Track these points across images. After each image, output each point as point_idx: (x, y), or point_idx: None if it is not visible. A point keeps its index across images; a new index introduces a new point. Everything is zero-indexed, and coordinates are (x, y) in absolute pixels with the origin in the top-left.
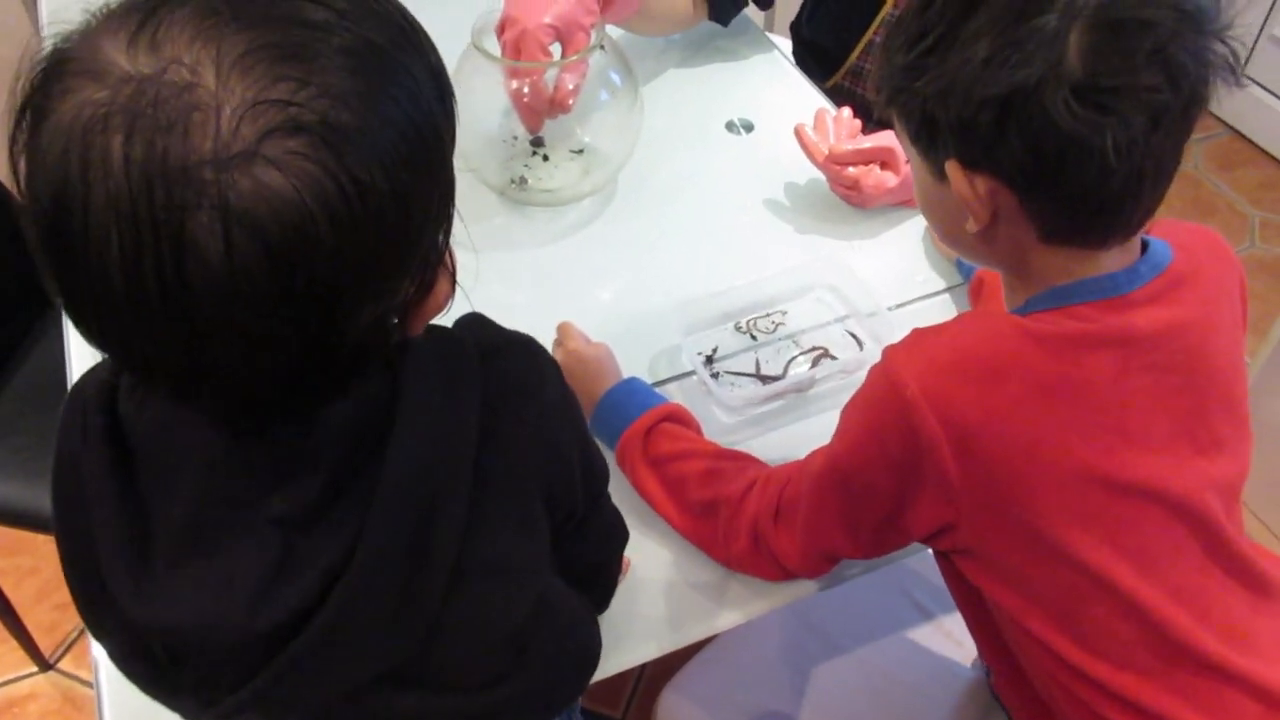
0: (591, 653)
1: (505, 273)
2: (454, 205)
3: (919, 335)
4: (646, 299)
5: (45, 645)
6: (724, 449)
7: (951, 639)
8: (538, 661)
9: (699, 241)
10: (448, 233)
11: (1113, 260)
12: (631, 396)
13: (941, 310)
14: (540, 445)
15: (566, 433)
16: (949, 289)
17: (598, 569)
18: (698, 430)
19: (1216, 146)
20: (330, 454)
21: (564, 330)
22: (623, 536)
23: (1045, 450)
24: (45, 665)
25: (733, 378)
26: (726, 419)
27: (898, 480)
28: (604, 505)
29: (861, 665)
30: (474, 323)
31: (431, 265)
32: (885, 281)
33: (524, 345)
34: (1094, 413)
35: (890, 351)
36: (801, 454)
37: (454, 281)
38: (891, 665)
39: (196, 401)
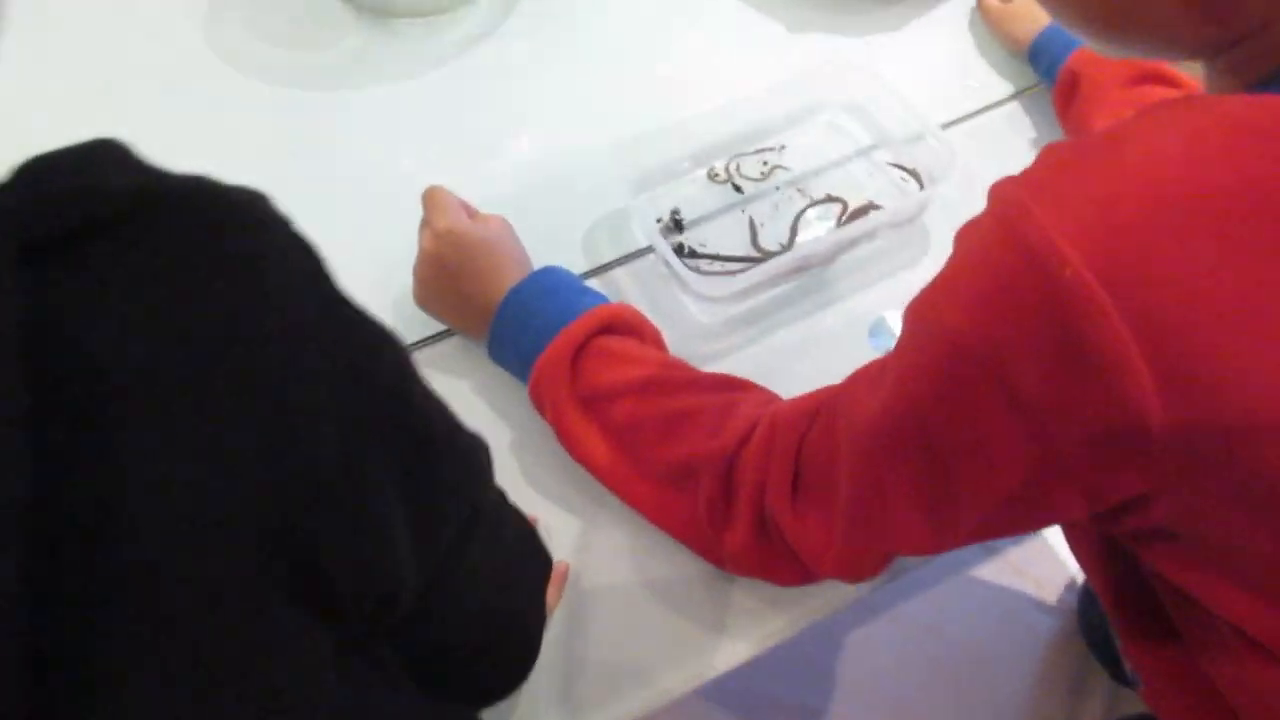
0: None
1: (362, 120)
2: None
3: (1061, 158)
4: (572, 144)
5: None
6: (700, 372)
7: (1026, 576)
8: None
9: (645, 55)
10: None
11: None
12: (548, 297)
13: (1013, 127)
14: (253, 419)
15: (340, 387)
16: (1017, 95)
17: (486, 649)
18: (657, 343)
19: None
20: None
21: (432, 200)
22: (534, 574)
23: None
24: None
25: (708, 258)
26: (704, 318)
27: (1037, 430)
28: (482, 527)
29: (908, 626)
30: (97, 158)
31: None
32: (923, 92)
33: (210, 200)
34: None
35: (1013, 192)
36: (826, 376)
37: None
38: (946, 622)
39: None
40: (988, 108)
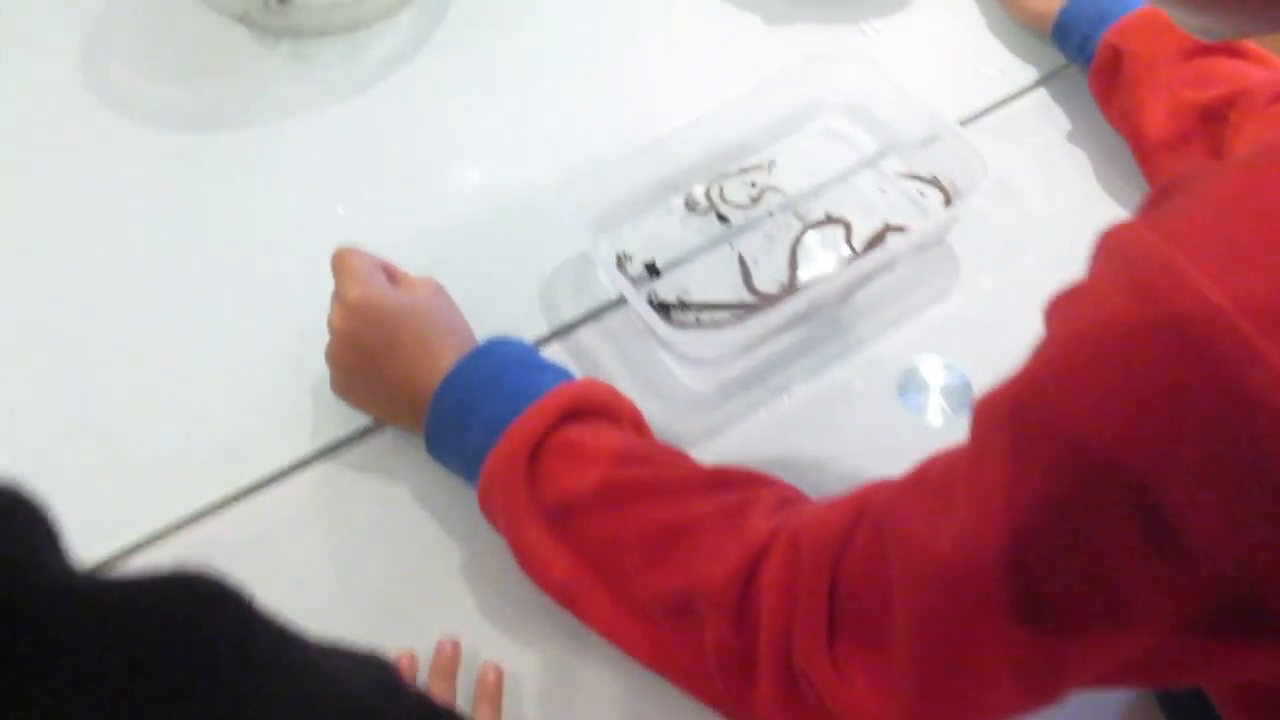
0: None
1: (273, 161)
2: None
3: (1213, 193)
4: (520, 177)
5: None
6: (694, 465)
7: None
8: None
9: (600, 65)
10: None
11: None
12: (494, 379)
13: (1044, 118)
14: None
15: None
16: (1043, 80)
17: None
18: (636, 425)
19: None
20: None
21: (342, 265)
22: None
23: None
24: None
25: (694, 308)
26: (692, 384)
27: (1191, 579)
28: None
29: None
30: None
31: None
32: (933, 84)
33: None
34: None
35: (1151, 246)
36: (852, 450)
37: None
38: None
39: None
40: (1010, 98)
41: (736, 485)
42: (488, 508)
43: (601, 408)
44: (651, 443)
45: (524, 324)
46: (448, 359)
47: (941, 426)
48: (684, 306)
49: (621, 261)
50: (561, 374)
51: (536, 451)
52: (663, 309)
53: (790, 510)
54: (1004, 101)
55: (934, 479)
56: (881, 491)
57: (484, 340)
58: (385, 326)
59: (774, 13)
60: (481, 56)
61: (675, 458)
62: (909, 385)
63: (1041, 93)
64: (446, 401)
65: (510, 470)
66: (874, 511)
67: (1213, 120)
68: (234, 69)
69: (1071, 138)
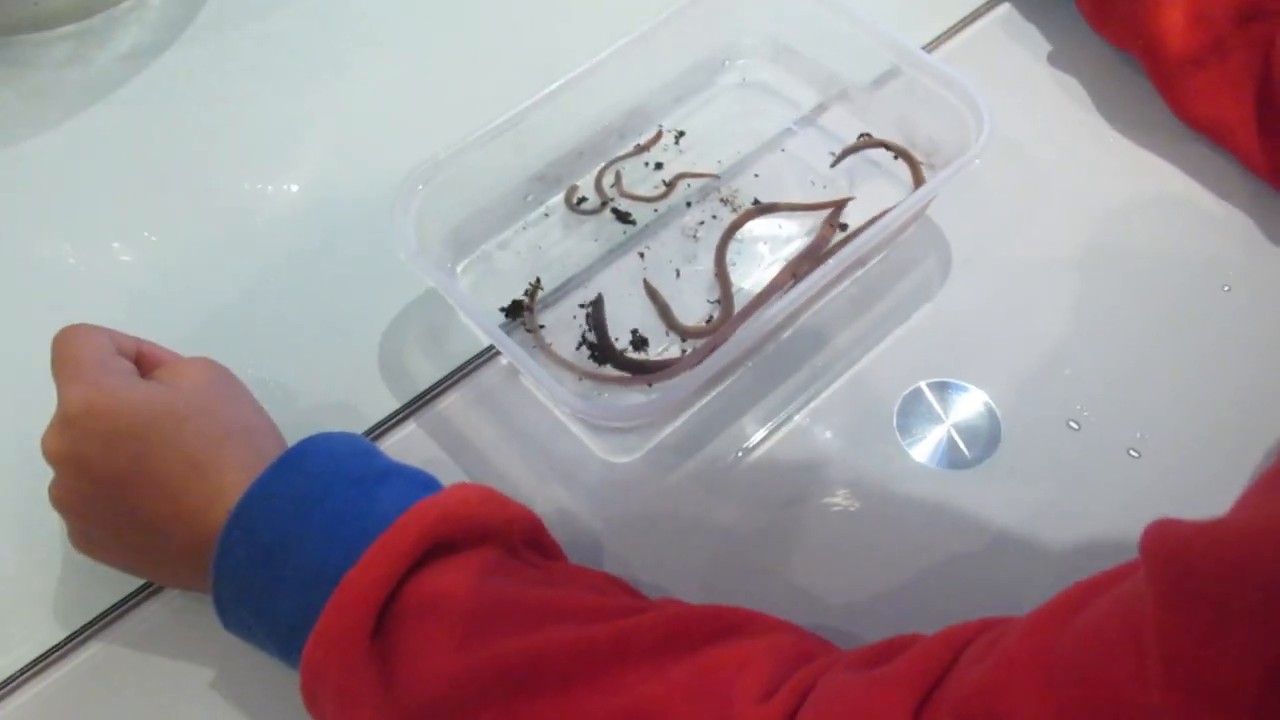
0: None
1: None
2: None
3: None
4: (329, 195)
5: None
6: (631, 602)
7: None
8: None
9: (426, 25)
10: None
11: None
12: (308, 507)
13: (1017, 39)
14: None
15: None
16: None
17: None
18: (530, 542)
19: None
20: None
21: (63, 353)
22: None
23: None
24: None
25: (603, 355)
26: (610, 456)
27: None
28: None
29: None
30: None
31: None
32: (866, 9)
33: None
34: None
35: None
36: (836, 532)
37: None
38: None
39: None
40: (969, 18)
41: (704, 638)
42: (317, 711)
43: (478, 529)
44: (563, 571)
45: (359, 406)
46: (234, 479)
47: (957, 474)
48: (591, 349)
49: (483, 295)
50: (412, 483)
51: (384, 620)
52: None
53: (797, 680)
54: (961, 24)
55: (1069, 650)
56: (966, 665)
57: (291, 446)
58: (128, 441)
59: None
60: (261, 35)
61: (599, 599)
62: (909, 420)
63: (1007, 8)
64: (237, 550)
65: (345, 653)
66: (957, 702)
67: (1254, 19)
68: None
69: (1055, 61)
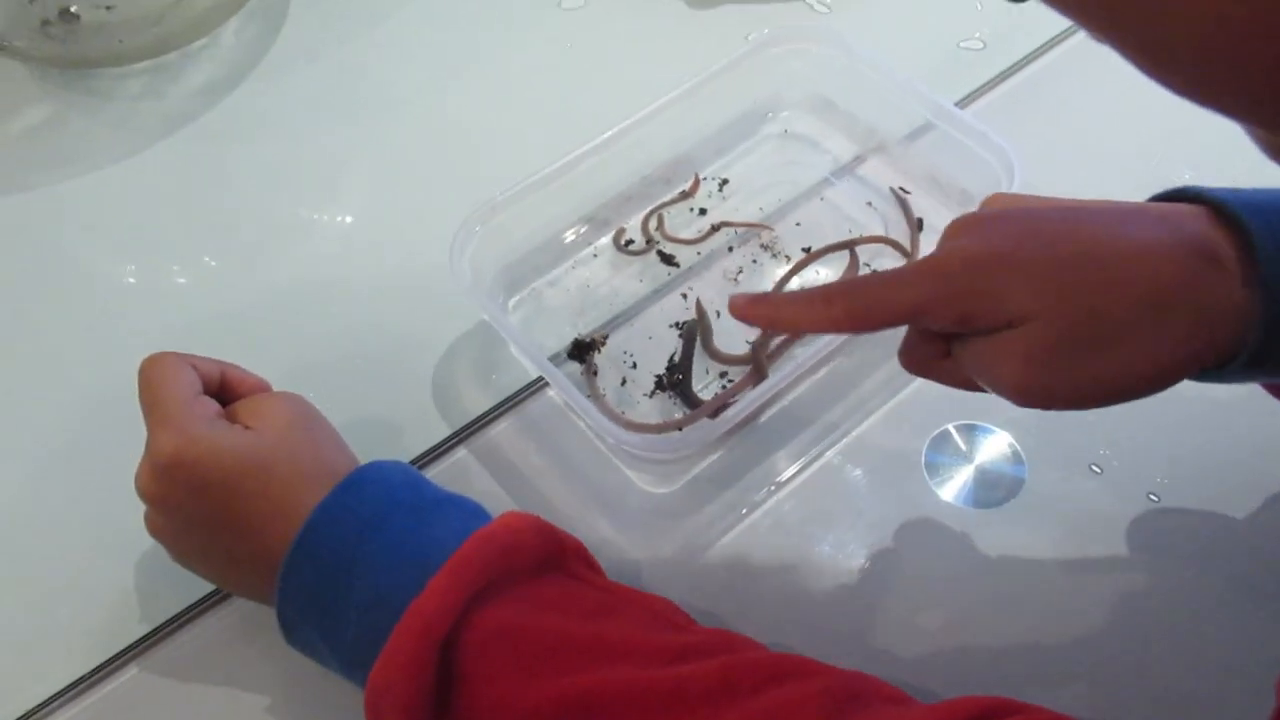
0: None
1: (62, 223)
2: None
3: None
4: (393, 228)
5: None
6: (684, 638)
7: None
8: None
9: (487, 72)
10: None
11: None
12: (372, 529)
13: (1048, 93)
14: None
15: None
16: (1042, 50)
17: None
18: (585, 564)
19: None
20: None
21: (149, 390)
22: None
23: None
24: None
25: (672, 386)
26: (653, 487)
27: None
28: None
29: None
30: None
31: None
32: (903, 66)
33: None
34: None
35: None
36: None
37: None
38: None
39: None
40: (1004, 75)
41: (758, 683)
42: None
43: (535, 558)
44: (623, 594)
45: (417, 427)
46: (301, 514)
47: (982, 513)
48: (630, 371)
49: (535, 331)
50: (464, 511)
51: (449, 649)
52: (596, 382)
53: None
54: (997, 80)
55: None
56: None
57: (355, 470)
58: (216, 492)
59: None
60: (327, 78)
61: (659, 636)
62: (937, 459)
63: (1036, 68)
64: (303, 570)
65: (412, 679)
66: None
67: None
68: (8, 112)
69: (1084, 114)
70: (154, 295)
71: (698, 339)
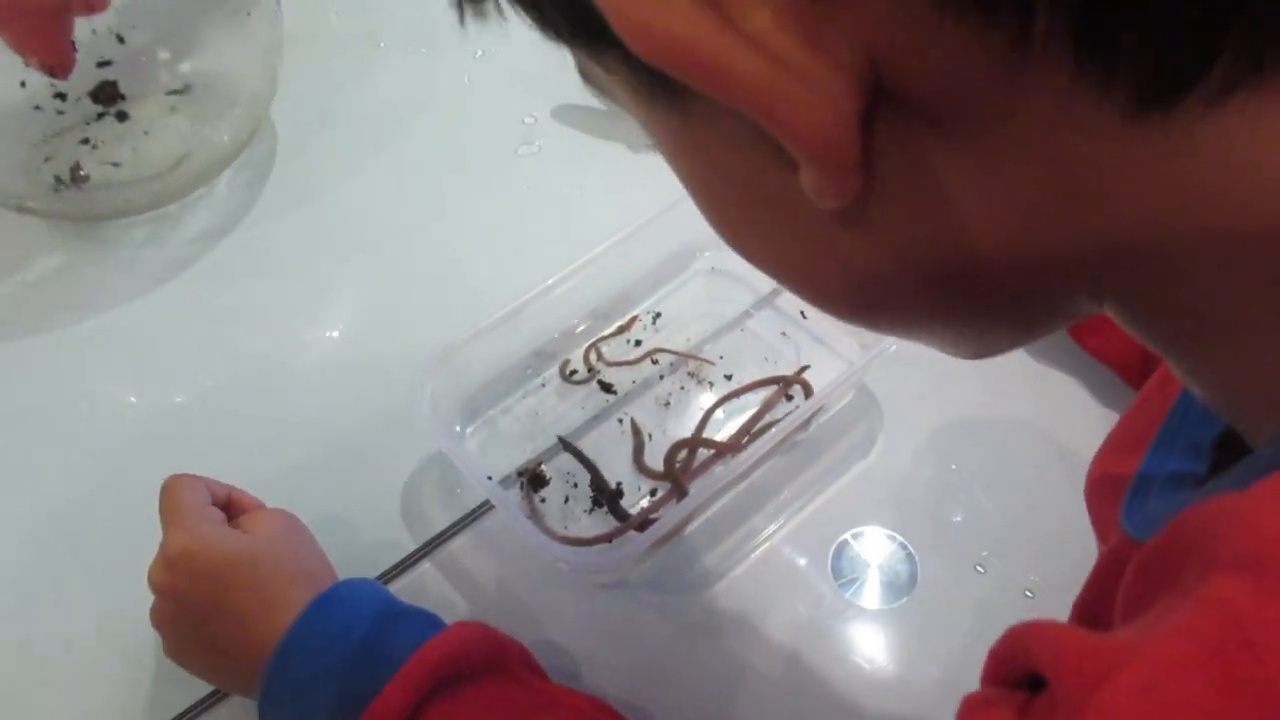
0: None
1: (75, 363)
2: None
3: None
4: (366, 363)
5: None
6: None
7: None
8: None
9: (447, 226)
10: None
11: None
12: (341, 641)
13: None
14: None
15: None
16: None
17: None
18: (525, 665)
19: None
20: None
21: (169, 502)
22: None
23: None
24: None
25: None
26: (592, 600)
27: None
28: None
29: None
30: None
31: None
32: None
33: None
34: None
35: (1238, 606)
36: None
37: None
38: None
39: None
40: None
41: None
42: None
43: (479, 662)
44: (557, 694)
45: (384, 541)
46: (293, 616)
47: (879, 609)
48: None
49: (482, 462)
50: (421, 623)
51: None
52: (536, 502)
53: None
54: None
55: None
56: None
57: (329, 588)
58: (213, 581)
59: (641, 140)
60: (310, 225)
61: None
62: (841, 563)
63: None
64: (283, 678)
65: None
66: None
67: None
68: (22, 262)
69: None
70: (149, 412)
71: (586, 455)
